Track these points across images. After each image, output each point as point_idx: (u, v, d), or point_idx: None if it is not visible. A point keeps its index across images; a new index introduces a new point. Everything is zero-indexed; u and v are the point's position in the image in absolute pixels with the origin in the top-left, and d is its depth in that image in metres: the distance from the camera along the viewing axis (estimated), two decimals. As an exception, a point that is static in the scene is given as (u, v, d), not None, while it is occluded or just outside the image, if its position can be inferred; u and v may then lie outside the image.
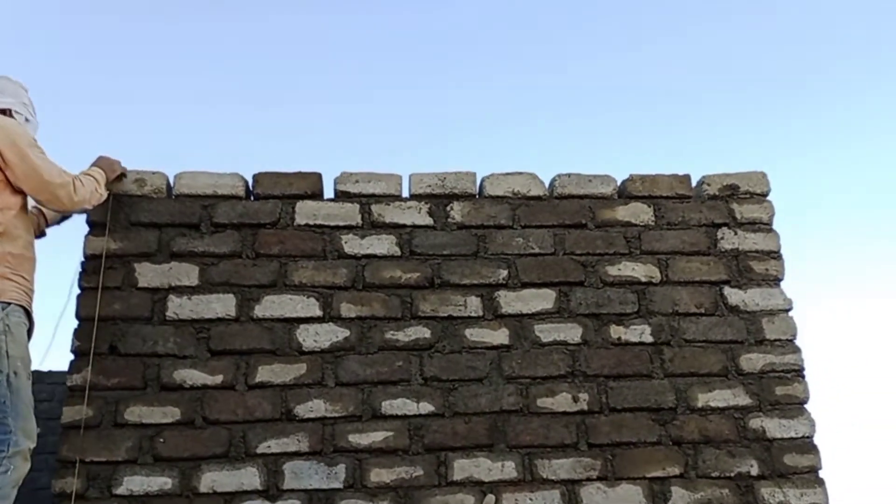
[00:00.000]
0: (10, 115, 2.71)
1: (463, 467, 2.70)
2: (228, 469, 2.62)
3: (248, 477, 2.62)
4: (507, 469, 2.71)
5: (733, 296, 3.01)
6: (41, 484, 6.47)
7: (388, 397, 2.75)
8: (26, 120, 2.77)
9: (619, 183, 3.14)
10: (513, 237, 2.99)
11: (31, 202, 2.68)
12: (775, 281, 3.07)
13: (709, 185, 3.17)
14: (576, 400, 2.81)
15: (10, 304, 2.45)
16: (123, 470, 2.59)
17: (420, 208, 3.00)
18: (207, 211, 2.90)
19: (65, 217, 2.95)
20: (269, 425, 2.69)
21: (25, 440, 2.37)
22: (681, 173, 3.18)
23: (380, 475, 2.66)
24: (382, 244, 2.94)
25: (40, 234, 2.90)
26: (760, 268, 3.07)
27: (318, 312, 2.82)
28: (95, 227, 2.86)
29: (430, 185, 3.04)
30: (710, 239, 3.08)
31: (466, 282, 2.92)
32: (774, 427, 2.87)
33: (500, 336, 2.86)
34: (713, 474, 2.78)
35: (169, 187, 2.95)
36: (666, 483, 2.75)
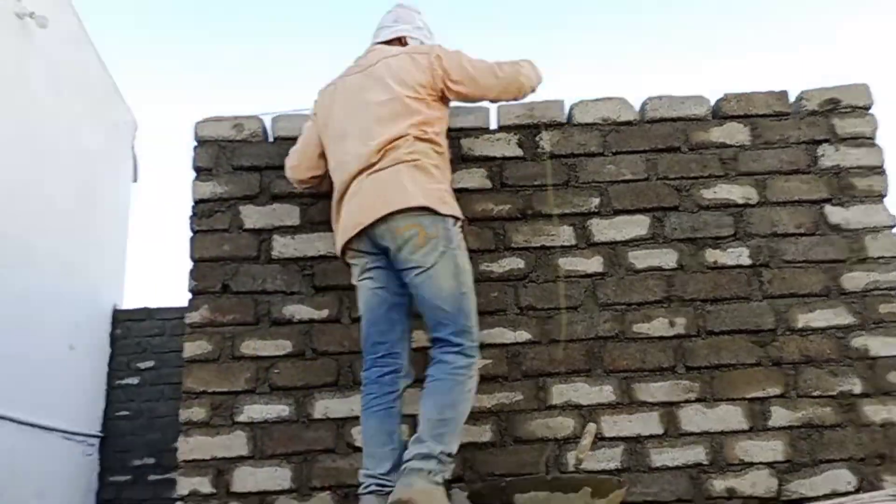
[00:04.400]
0: (405, 43, 2.80)
1: (561, 392, 2.78)
2: (339, 397, 2.78)
3: (358, 404, 2.73)
4: (606, 392, 2.78)
5: (834, 214, 2.94)
6: (159, 413, 6.99)
7: (486, 327, 2.83)
8: (421, 43, 2.82)
9: (712, 103, 3.06)
10: (604, 164, 2.98)
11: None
12: (879, 197, 2.97)
13: (808, 100, 3.06)
14: (672, 324, 2.83)
15: (458, 219, 2.52)
16: (243, 399, 2.78)
17: (509, 140, 3.01)
18: (304, 152, 2.99)
19: None
20: (374, 355, 2.81)
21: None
22: (777, 89, 3.08)
23: (481, 400, 2.77)
24: (473, 178, 2.98)
25: None
26: (863, 184, 2.97)
27: (415, 247, 2.90)
28: (200, 172, 3.00)
29: (518, 116, 3.04)
30: (809, 156, 2.99)
31: (558, 211, 2.94)
32: (878, 345, 2.82)
33: (594, 264, 2.89)
34: (814, 393, 2.77)
35: (265, 131, 3.05)
36: (766, 403, 2.76)
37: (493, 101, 2.79)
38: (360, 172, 2.48)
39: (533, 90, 2.80)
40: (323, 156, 2.71)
